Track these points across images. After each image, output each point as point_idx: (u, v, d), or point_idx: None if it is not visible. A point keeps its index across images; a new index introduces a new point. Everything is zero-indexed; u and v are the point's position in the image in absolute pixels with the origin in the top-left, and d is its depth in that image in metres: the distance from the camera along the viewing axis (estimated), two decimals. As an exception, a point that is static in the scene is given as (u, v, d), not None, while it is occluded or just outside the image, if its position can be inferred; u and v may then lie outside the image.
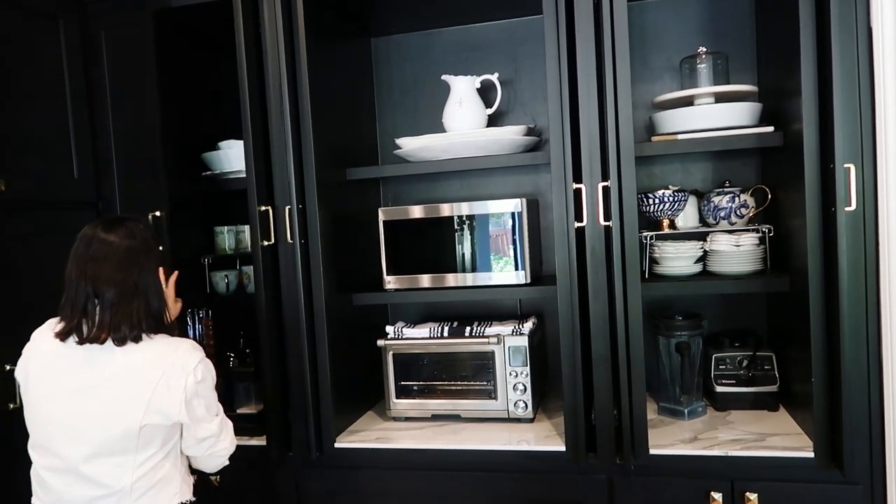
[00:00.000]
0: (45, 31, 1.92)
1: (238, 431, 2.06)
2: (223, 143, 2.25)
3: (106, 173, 2.17)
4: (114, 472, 1.47)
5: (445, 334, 2.11)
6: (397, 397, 2.14)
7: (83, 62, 2.03)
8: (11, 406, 1.79)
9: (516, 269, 2.01)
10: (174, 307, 1.72)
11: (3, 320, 1.80)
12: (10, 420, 1.77)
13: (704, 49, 2.04)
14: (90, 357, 1.48)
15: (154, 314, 1.53)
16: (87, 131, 2.08)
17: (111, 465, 1.47)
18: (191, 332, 2.23)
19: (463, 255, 2.06)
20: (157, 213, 2.06)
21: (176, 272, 1.72)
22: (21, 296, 1.84)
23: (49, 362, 1.50)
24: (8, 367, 1.78)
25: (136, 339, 1.49)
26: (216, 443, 1.60)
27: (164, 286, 1.60)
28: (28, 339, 1.57)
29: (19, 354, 1.55)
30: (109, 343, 1.47)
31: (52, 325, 1.52)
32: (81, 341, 1.46)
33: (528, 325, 2.08)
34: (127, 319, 1.47)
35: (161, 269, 1.58)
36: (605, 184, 1.75)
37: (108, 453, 1.46)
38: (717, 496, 1.76)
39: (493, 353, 2.05)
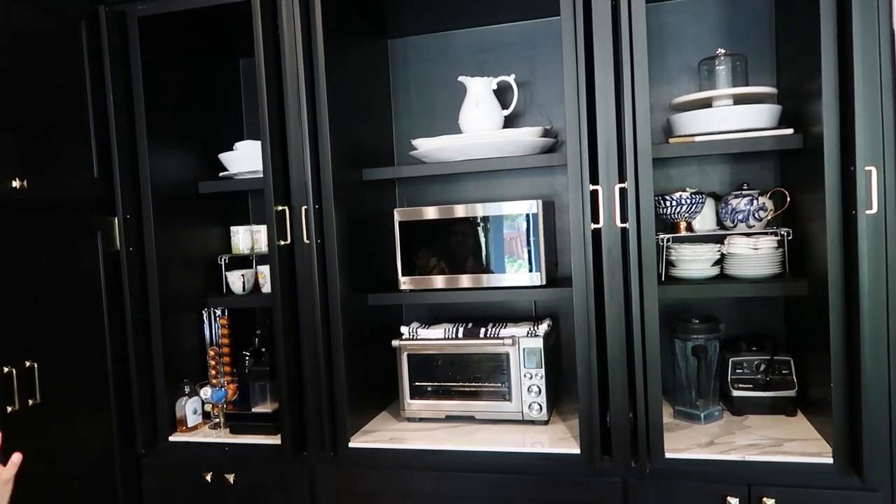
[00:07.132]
0: (66, 31, 1.94)
1: (253, 430, 2.10)
2: (239, 144, 2.27)
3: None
4: None
5: (460, 335, 2.11)
6: (411, 398, 2.14)
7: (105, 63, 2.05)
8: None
9: (531, 270, 2.01)
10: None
11: (20, 317, 1.81)
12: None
13: (723, 50, 2.03)
14: None
15: None
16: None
17: None
18: (207, 332, 2.25)
19: (478, 256, 2.05)
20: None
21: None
22: (38, 294, 1.85)
23: None
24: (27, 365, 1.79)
25: None
26: None
27: None
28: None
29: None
30: None
31: None
32: None
33: (543, 327, 2.07)
34: None
35: None
36: (622, 186, 1.74)
37: None
38: (734, 501, 1.75)
39: (507, 354, 2.04)
